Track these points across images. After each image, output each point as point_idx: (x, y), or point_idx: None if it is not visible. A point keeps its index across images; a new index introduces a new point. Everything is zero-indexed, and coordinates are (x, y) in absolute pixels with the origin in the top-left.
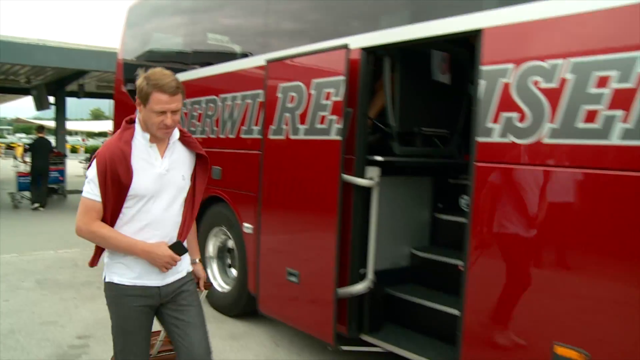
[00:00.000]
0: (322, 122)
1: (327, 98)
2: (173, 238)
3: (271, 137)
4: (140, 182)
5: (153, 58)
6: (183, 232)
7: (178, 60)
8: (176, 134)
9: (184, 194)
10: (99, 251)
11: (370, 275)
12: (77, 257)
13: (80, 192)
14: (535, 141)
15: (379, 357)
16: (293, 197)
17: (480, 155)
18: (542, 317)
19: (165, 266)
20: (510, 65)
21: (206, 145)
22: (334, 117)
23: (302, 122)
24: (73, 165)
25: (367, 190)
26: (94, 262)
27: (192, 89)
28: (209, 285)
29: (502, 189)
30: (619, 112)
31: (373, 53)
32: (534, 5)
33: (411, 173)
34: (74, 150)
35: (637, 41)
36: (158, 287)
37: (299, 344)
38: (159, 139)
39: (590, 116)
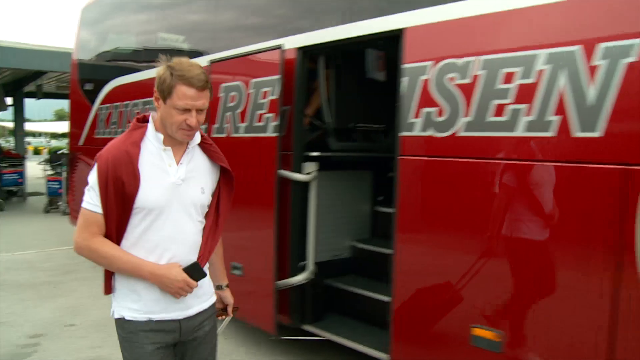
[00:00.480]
0: (260, 120)
1: (265, 97)
2: (190, 260)
3: (214, 135)
4: (148, 192)
5: (107, 58)
6: (204, 255)
7: (133, 59)
8: (197, 137)
9: (203, 210)
10: (108, 275)
11: (309, 267)
12: (34, 259)
13: (40, 194)
14: (452, 134)
15: (322, 345)
16: (236, 193)
17: (404, 149)
18: (460, 302)
19: (178, 292)
20: (429, 63)
21: None
22: (271, 115)
23: (242, 121)
24: (33, 167)
25: (305, 185)
26: (107, 288)
27: (145, 89)
28: (236, 308)
29: (424, 181)
30: (523, 106)
31: (309, 52)
32: (450, 6)
33: (351, 167)
34: (37, 152)
35: (536, 41)
36: (179, 320)
37: (245, 335)
38: (175, 141)
39: (499, 110)
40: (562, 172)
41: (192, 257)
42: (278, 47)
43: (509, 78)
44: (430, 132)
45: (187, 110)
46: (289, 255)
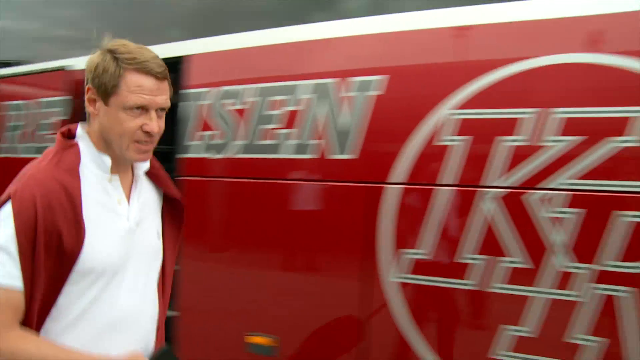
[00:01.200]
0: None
1: (51, 117)
2: (150, 342)
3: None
4: (99, 246)
5: None
6: (161, 327)
7: None
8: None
9: (159, 263)
10: None
11: None
12: None
13: None
14: (227, 156)
15: None
16: None
17: (182, 170)
18: (235, 313)
19: None
20: (207, 89)
21: None
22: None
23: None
24: None
25: None
26: None
27: None
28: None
29: (202, 200)
30: (288, 131)
31: None
32: (228, 37)
33: None
34: None
35: (302, 72)
36: None
37: None
38: (119, 166)
39: (268, 134)
40: (322, 190)
41: (152, 336)
42: (62, 69)
43: (277, 105)
44: (206, 154)
45: (143, 110)
46: None
